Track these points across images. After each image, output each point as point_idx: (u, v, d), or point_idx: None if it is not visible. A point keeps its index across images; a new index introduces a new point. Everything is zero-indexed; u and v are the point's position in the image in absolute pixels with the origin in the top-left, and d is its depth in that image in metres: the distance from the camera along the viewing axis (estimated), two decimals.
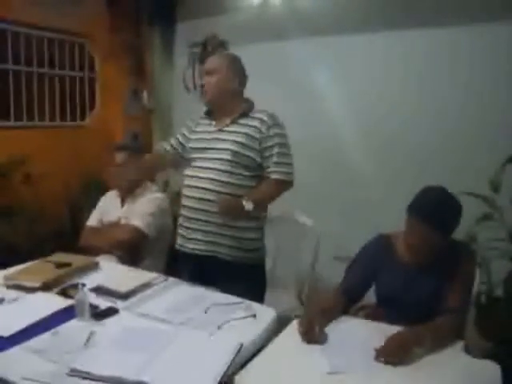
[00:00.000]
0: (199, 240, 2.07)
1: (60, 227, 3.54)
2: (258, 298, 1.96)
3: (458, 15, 2.92)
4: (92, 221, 2.65)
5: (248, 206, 1.94)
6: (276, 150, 2.04)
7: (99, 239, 2.51)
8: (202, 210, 2.04)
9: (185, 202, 2.13)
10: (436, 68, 3.06)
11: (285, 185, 2.07)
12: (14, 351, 1.40)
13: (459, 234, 1.87)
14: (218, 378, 1.26)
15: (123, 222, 2.53)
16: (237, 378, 1.30)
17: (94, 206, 2.71)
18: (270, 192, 2.06)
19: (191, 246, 2.09)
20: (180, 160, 2.27)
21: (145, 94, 4.38)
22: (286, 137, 2.10)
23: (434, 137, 3.08)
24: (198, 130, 2.20)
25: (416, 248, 1.65)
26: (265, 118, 2.05)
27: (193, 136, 2.20)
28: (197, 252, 2.08)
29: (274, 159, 2.03)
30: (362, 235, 1.88)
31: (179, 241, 2.17)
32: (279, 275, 2.62)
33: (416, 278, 1.67)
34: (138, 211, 2.50)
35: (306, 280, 2.44)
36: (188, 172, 2.15)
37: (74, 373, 1.28)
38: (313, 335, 1.49)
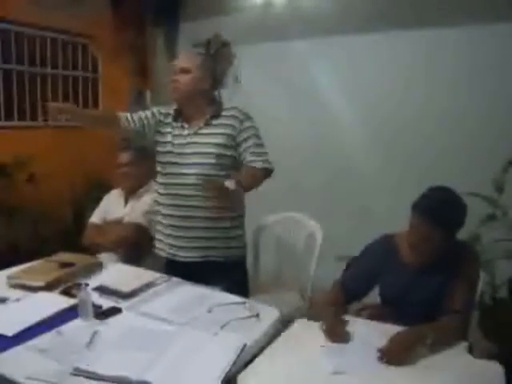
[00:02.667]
0: (191, 248, 2.02)
1: (63, 227, 3.55)
2: (246, 291, 2.08)
3: (463, 16, 2.92)
4: (95, 218, 2.65)
5: (231, 185, 1.81)
6: (252, 141, 2.01)
7: (102, 237, 2.52)
8: (189, 217, 2.00)
9: (166, 210, 2.06)
10: (440, 69, 3.05)
11: (266, 172, 2.02)
12: (18, 350, 1.40)
13: (463, 234, 1.86)
14: (221, 378, 1.26)
15: (126, 219, 2.53)
16: (240, 377, 1.30)
17: (97, 205, 2.72)
18: (252, 176, 1.97)
19: (183, 254, 2.04)
20: (134, 136, 2.15)
21: (148, 94, 4.39)
22: (258, 129, 2.06)
23: (438, 138, 3.08)
24: (166, 130, 2.10)
25: (419, 247, 1.64)
26: (236, 114, 2.02)
27: (161, 137, 2.09)
28: (189, 259, 2.04)
29: (252, 150, 2.00)
30: (365, 238, 1.87)
31: (168, 249, 2.09)
32: (282, 276, 2.63)
33: (419, 279, 1.67)
34: (140, 209, 2.50)
35: (309, 281, 2.43)
36: (162, 180, 2.08)
37: (78, 372, 1.28)
38: (339, 333, 1.50)
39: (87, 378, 1.27)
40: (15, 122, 3.73)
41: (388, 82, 3.24)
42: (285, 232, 2.62)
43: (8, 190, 3.34)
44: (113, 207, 2.65)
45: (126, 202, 2.63)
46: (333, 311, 1.61)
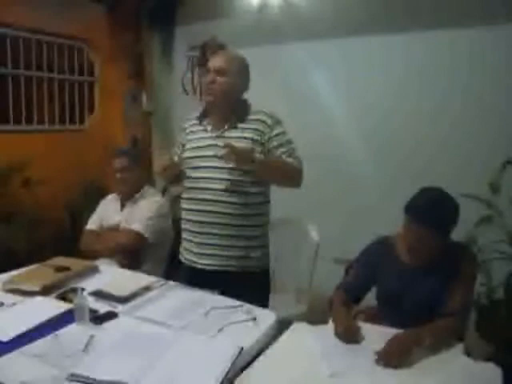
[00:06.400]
0: (212, 255, 1.95)
1: (60, 232, 3.53)
2: (265, 303, 1.97)
3: (458, 18, 2.93)
4: (91, 224, 2.65)
5: (258, 158, 1.84)
6: (285, 148, 1.94)
7: (99, 243, 2.51)
8: (213, 223, 1.93)
9: (189, 215, 2.01)
10: (435, 71, 3.06)
11: (300, 174, 1.96)
12: (14, 355, 1.39)
13: (459, 236, 1.87)
14: (219, 382, 1.25)
15: (123, 225, 2.53)
16: (237, 381, 1.30)
17: (93, 210, 2.72)
18: (287, 166, 1.92)
19: (205, 261, 1.97)
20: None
21: (144, 98, 4.39)
22: (287, 133, 2.01)
23: (433, 140, 3.08)
24: (191, 137, 2.05)
25: (415, 248, 1.65)
26: (266, 119, 1.96)
27: (188, 144, 2.05)
28: (209, 268, 1.96)
29: (287, 155, 1.94)
30: (362, 240, 1.87)
31: (188, 256, 2.05)
32: (279, 279, 2.62)
33: (416, 280, 1.67)
34: (137, 215, 2.50)
35: (306, 283, 2.43)
36: (187, 184, 2.02)
37: (74, 377, 1.27)
38: (353, 334, 1.51)
39: (83, 382, 1.26)
40: (10, 126, 3.72)
41: (383, 83, 3.25)
42: (281, 234, 2.61)
43: (3, 194, 3.32)
44: (109, 213, 2.66)
45: (123, 207, 2.63)
46: (346, 313, 1.61)
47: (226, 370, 1.30)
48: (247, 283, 1.94)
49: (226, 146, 1.78)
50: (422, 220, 1.58)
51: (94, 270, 2.17)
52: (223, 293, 1.85)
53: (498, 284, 2.54)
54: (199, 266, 1.99)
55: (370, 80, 3.29)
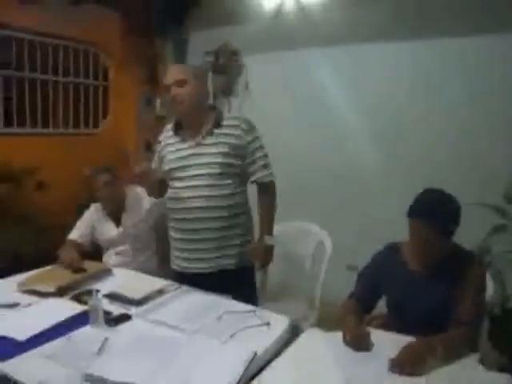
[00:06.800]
0: (206, 259, 2.02)
1: None
2: (256, 297, 2.12)
3: (467, 25, 2.92)
4: (76, 236, 2.52)
5: (271, 240, 2.08)
6: (259, 153, 2.05)
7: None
8: (202, 229, 2.00)
9: (178, 224, 2.07)
10: (444, 77, 3.06)
11: (274, 185, 2.13)
12: (29, 355, 1.42)
13: (473, 245, 1.86)
14: None
15: (123, 236, 2.60)
16: None
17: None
18: (273, 201, 2.13)
19: (199, 265, 2.04)
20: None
21: (158, 102, 4.42)
22: (261, 139, 2.09)
23: (442, 146, 3.08)
24: (169, 149, 2.08)
25: (422, 251, 1.65)
26: (241, 125, 2.02)
27: (167, 156, 2.08)
28: (204, 271, 2.03)
29: (260, 163, 2.05)
30: (374, 245, 1.87)
31: (182, 263, 2.10)
32: (290, 285, 2.62)
33: (424, 286, 1.67)
34: (139, 218, 2.61)
35: (318, 290, 2.43)
36: (171, 195, 2.08)
37: (89, 377, 1.29)
38: (362, 342, 1.51)
39: (97, 383, 1.27)
40: (27, 130, 3.76)
41: (393, 90, 3.25)
42: (293, 240, 2.62)
43: (16, 197, 3.35)
44: (102, 229, 2.61)
45: (117, 221, 2.62)
46: (355, 321, 1.61)
47: (240, 374, 1.30)
48: (244, 278, 2.07)
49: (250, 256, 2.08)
50: (425, 219, 1.59)
51: (109, 273, 2.19)
52: (214, 290, 1.92)
53: None
54: (196, 271, 2.05)
55: (379, 86, 3.30)
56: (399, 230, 1.71)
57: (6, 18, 3.38)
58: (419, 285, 1.68)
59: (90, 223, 2.60)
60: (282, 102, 3.64)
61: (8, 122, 3.67)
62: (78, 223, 2.59)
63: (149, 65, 4.39)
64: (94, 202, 2.65)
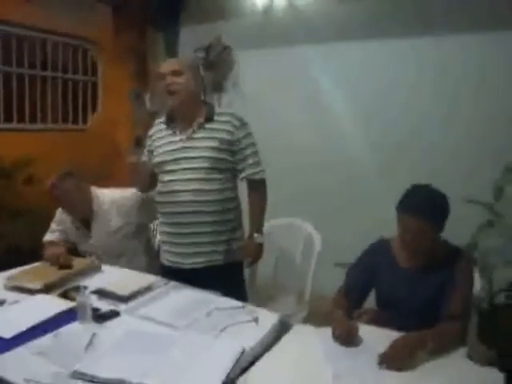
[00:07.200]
0: (196, 253, 2.02)
1: None
2: (245, 292, 2.13)
3: (468, 22, 2.92)
4: (53, 237, 2.43)
5: (261, 238, 2.09)
6: (250, 150, 2.05)
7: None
8: (192, 223, 2.00)
9: (167, 218, 2.07)
10: (446, 76, 3.05)
11: (265, 183, 2.12)
12: (16, 352, 1.40)
13: (461, 241, 1.87)
14: (221, 381, 1.25)
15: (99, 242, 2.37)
16: (239, 382, 1.30)
17: None
18: (264, 199, 2.13)
19: (189, 260, 2.04)
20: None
21: (147, 98, 4.39)
22: (253, 136, 2.09)
23: (442, 147, 3.07)
24: (160, 142, 2.08)
25: (412, 245, 1.66)
26: (233, 121, 2.02)
27: (157, 150, 2.08)
28: (194, 266, 2.03)
29: (251, 160, 2.05)
30: (365, 243, 1.88)
31: (171, 258, 2.09)
32: (280, 281, 2.63)
33: (414, 282, 1.68)
34: (113, 227, 2.37)
35: (307, 286, 2.43)
36: (161, 188, 2.07)
37: (76, 374, 1.28)
38: (351, 337, 1.51)
39: (86, 380, 1.26)
40: (14, 125, 3.72)
41: (391, 87, 3.24)
42: (283, 237, 2.62)
43: (8, 191, 3.33)
44: (73, 235, 2.43)
45: (88, 227, 2.40)
46: (344, 316, 1.62)
47: (229, 369, 1.30)
48: (232, 274, 2.07)
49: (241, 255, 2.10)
50: (415, 211, 1.60)
51: (97, 269, 2.17)
52: (202, 285, 1.91)
53: (500, 289, 2.54)
54: (186, 266, 2.04)
55: (378, 84, 3.28)
56: (392, 227, 1.72)
57: None
58: (408, 280, 1.69)
59: (62, 228, 2.45)
60: (273, 98, 3.63)
61: None
62: (52, 225, 2.47)
63: (139, 60, 4.37)
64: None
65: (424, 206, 1.62)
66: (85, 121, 4.32)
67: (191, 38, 4.10)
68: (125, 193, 2.42)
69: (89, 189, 2.41)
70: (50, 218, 2.42)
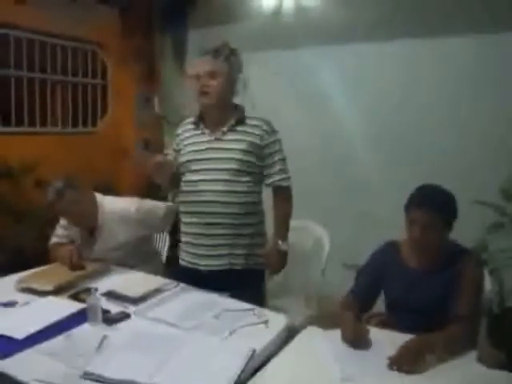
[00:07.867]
0: (217, 256, 1.99)
1: None
2: (264, 300, 2.06)
3: (467, 25, 2.92)
4: (60, 239, 2.34)
5: (285, 246, 2.04)
6: (278, 156, 2.03)
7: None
8: (212, 224, 1.97)
9: (188, 218, 2.05)
10: (444, 77, 3.06)
11: (291, 190, 2.10)
12: (27, 353, 1.42)
13: (470, 242, 1.86)
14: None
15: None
16: (249, 383, 1.30)
17: None
18: (289, 206, 2.10)
19: (210, 262, 2.00)
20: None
21: (156, 101, 4.42)
22: (281, 143, 2.08)
23: (442, 145, 3.07)
24: (187, 142, 2.08)
25: (419, 240, 1.65)
26: (263, 126, 2.02)
27: (184, 149, 2.08)
28: (210, 268, 2.00)
29: (278, 167, 2.03)
30: (370, 243, 1.87)
31: (192, 259, 2.05)
32: (288, 283, 2.62)
33: (422, 284, 1.68)
34: (120, 239, 2.25)
35: (316, 288, 2.43)
36: (185, 187, 2.05)
37: (87, 375, 1.29)
38: (360, 339, 1.51)
39: (96, 381, 1.27)
40: (25, 128, 3.75)
41: (394, 88, 3.24)
42: (291, 238, 2.61)
43: (15, 193, 3.35)
44: (80, 241, 2.32)
45: (92, 238, 2.29)
46: (354, 319, 1.61)
47: (239, 372, 1.30)
48: (252, 281, 2.01)
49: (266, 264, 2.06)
50: (425, 207, 1.61)
51: (107, 271, 2.18)
52: (221, 289, 1.89)
53: (510, 291, 2.52)
54: (202, 268, 2.02)
55: (381, 85, 3.29)
56: (399, 229, 1.72)
57: (4, 16, 3.37)
58: (418, 283, 1.68)
59: (68, 233, 2.34)
60: (281, 101, 3.64)
61: (6, 122, 3.65)
62: (58, 229, 2.36)
63: (147, 63, 4.39)
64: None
65: (432, 199, 1.64)
66: (94, 124, 4.35)
67: (199, 41, 4.11)
68: (130, 204, 2.30)
69: (93, 198, 2.28)
70: (56, 220, 2.43)
